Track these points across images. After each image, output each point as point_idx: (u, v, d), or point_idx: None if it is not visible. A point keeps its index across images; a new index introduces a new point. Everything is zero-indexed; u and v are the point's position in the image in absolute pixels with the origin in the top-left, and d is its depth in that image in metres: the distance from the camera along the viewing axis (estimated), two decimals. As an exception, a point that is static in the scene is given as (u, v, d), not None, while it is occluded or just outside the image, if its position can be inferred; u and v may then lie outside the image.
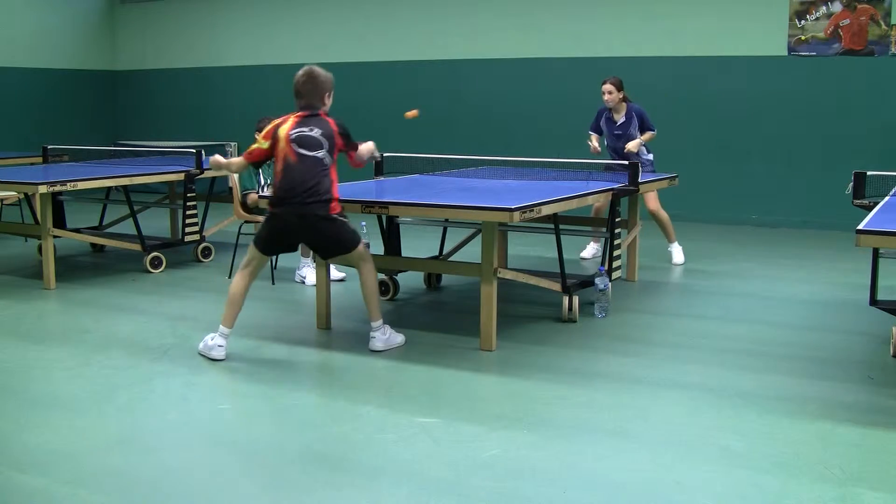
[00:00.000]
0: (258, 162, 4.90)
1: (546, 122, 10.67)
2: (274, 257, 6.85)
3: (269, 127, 4.82)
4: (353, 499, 3.15)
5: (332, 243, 4.83)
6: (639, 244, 7.04)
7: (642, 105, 7.55)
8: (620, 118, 7.40)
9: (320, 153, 4.68)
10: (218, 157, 5.14)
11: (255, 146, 4.84)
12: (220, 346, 4.75)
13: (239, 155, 5.40)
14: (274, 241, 4.85)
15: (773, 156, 9.77)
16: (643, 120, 7.40)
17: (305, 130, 4.71)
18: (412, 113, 6.00)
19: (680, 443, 3.63)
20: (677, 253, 7.64)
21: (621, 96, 7.35)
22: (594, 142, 7.50)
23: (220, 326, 4.77)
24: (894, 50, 9.14)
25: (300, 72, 4.79)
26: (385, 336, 4.95)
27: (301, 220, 4.68)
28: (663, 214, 7.48)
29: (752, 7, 9.71)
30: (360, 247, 4.85)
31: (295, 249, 5.03)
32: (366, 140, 5.07)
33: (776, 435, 3.73)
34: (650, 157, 7.55)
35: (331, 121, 4.78)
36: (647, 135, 7.39)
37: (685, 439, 3.67)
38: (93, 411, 4.04)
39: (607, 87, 7.31)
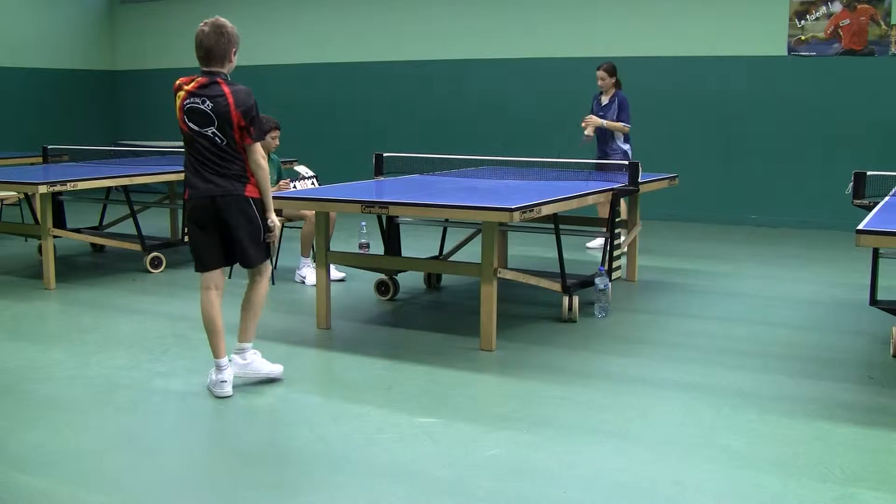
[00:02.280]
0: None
1: (546, 122, 10.67)
2: (275, 258, 6.85)
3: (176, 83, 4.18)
4: (353, 499, 3.15)
5: (244, 232, 4.16)
6: (639, 244, 7.04)
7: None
8: (605, 100, 7.86)
9: (209, 131, 4.06)
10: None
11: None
12: (223, 381, 4.20)
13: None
14: (199, 244, 4.20)
15: (773, 156, 9.77)
16: (621, 108, 7.75)
17: (197, 102, 4.07)
18: None
19: (680, 443, 3.63)
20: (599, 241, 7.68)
21: (613, 81, 7.86)
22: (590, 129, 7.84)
23: (215, 360, 4.24)
24: (894, 50, 9.14)
25: (204, 23, 4.17)
26: (245, 361, 4.31)
27: (213, 202, 4.09)
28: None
29: (752, 7, 9.71)
30: (264, 265, 4.33)
31: (231, 260, 4.33)
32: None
33: (776, 435, 3.73)
34: (626, 147, 7.79)
35: (226, 89, 4.08)
36: (618, 125, 7.72)
37: (685, 439, 3.67)
38: (93, 411, 4.04)
39: (600, 72, 7.87)
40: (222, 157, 4.10)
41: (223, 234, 4.20)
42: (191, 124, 4.09)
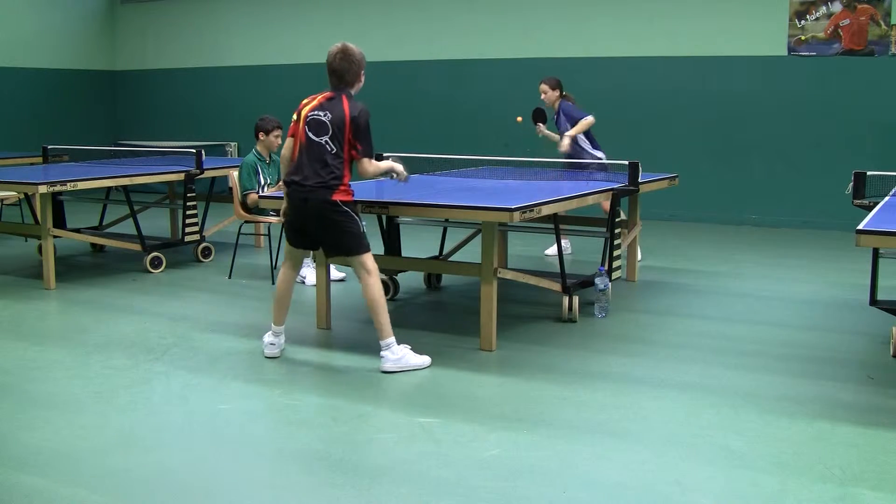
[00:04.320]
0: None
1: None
2: (275, 258, 6.86)
3: (303, 102, 4.69)
4: (353, 499, 3.15)
5: (334, 235, 4.60)
6: (639, 244, 7.03)
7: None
8: (555, 116, 7.59)
9: (324, 138, 4.51)
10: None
11: (291, 128, 4.71)
12: (271, 343, 4.82)
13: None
14: (293, 227, 4.73)
15: (773, 156, 9.77)
16: (569, 114, 7.41)
17: (320, 115, 4.55)
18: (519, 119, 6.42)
19: (680, 443, 3.63)
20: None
21: (556, 94, 7.52)
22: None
23: (272, 326, 4.84)
24: (894, 50, 9.14)
25: (334, 48, 4.59)
26: (396, 356, 4.57)
27: (304, 203, 4.55)
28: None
29: (752, 7, 9.71)
30: (365, 256, 4.60)
31: (317, 240, 4.73)
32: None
33: (776, 435, 3.73)
34: (599, 154, 7.49)
35: (346, 108, 4.53)
36: (579, 125, 7.33)
37: (685, 439, 3.67)
38: (93, 411, 4.04)
39: (542, 86, 7.56)
40: (330, 160, 4.51)
41: (313, 229, 4.66)
42: (310, 133, 4.54)
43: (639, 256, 7.51)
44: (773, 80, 9.68)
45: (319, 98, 4.61)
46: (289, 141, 4.72)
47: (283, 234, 4.91)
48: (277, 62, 12.40)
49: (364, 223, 4.74)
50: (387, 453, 3.55)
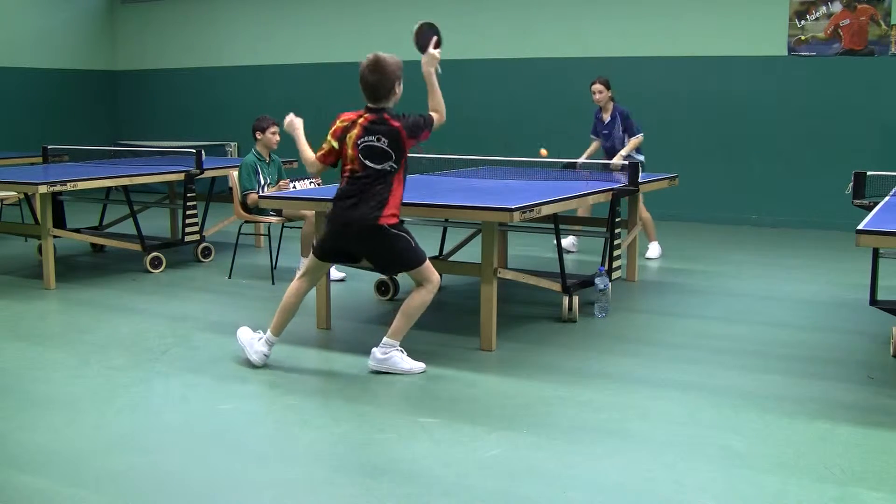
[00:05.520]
0: (335, 162, 4.53)
1: (546, 122, 10.67)
2: (274, 258, 6.86)
3: (336, 125, 4.49)
4: (353, 499, 3.15)
5: (384, 257, 4.52)
6: (639, 244, 7.03)
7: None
8: (607, 118, 7.64)
9: (388, 165, 4.36)
10: (296, 123, 4.74)
11: (326, 147, 4.50)
12: (261, 352, 4.57)
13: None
14: (329, 246, 4.56)
15: (773, 156, 9.77)
16: (626, 122, 7.56)
17: (373, 141, 4.35)
18: (544, 152, 6.58)
19: (680, 443, 3.63)
20: (653, 249, 7.82)
21: (609, 95, 7.60)
22: (590, 150, 7.77)
23: (268, 333, 4.61)
24: (894, 50, 9.14)
25: (366, 60, 4.36)
26: (386, 355, 4.50)
27: (345, 227, 4.43)
28: (646, 215, 7.59)
29: (752, 7, 9.71)
30: (423, 267, 4.49)
31: (355, 261, 4.67)
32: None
33: (776, 435, 3.73)
34: (641, 157, 7.65)
35: (396, 124, 4.37)
36: (632, 142, 7.52)
37: (685, 439, 3.67)
38: (93, 411, 4.04)
39: (596, 86, 7.61)
40: (380, 185, 4.37)
41: (358, 251, 4.56)
42: (367, 161, 4.36)
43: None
44: (773, 80, 9.68)
45: (361, 122, 4.40)
46: (314, 160, 4.56)
47: (313, 247, 4.68)
48: (277, 62, 12.40)
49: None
50: (387, 453, 3.54)
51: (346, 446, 3.63)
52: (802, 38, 9.53)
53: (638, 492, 3.19)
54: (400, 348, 4.54)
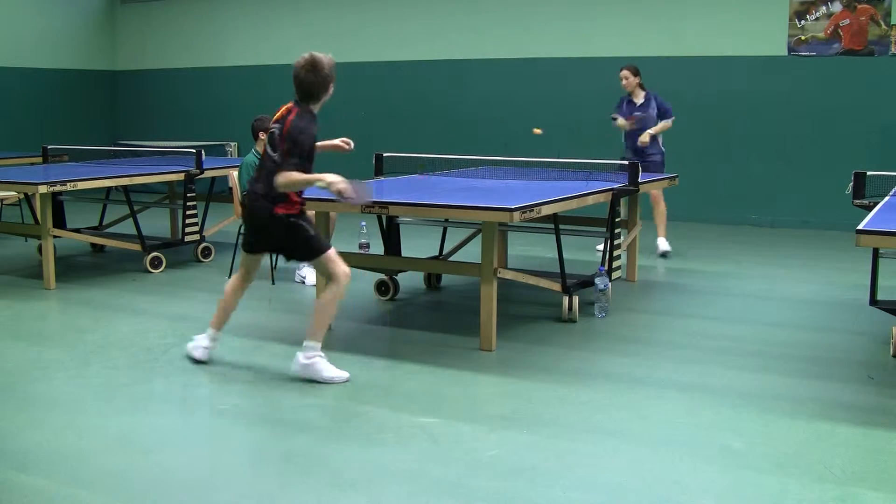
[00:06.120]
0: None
1: (546, 122, 10.64)
2: (273, 258, 6.86)
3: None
4: (354, 499, 3.15)
5: (284, 247, 4.50)
6: (639, 244, 7.04)
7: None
8: (640, 100, 7.87)
9: (276, 155, 4.31)
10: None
11: None
12: (203, 347, 4.63)
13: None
14: (247, 238, 4.65)
15: (773, 156, 9.76)
16: (662, 106, 7.82)
17: (275, 129, 4.37)
18: (537, 130, 6.59)
19: (680, 443, 3.63)
20: (663, 244, 7.94)
21: (637, 81, 7.88)
22: (621, 120, 7.90)
23: (209, 328, 4.67)
24: (894, 50, 9.14)
25: (301, 59, 4.38)
26: (308, 362, 4.36)
27: (250, 217, 4.50)
28: (662, 207, 7.78)
29: (752, 7, 9.71)
30: (325, 258, 4.39)
31: (271, 249, 4.78)
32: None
33: (776, 435, 3.73)
34: (664, 149, 7.85)
35: (289, 120, 4.31)
36: (662, 124, 7.76)
37: (685, 439, 3.67)
38: (93, 411, 4.04)
39: (624, 72, 7.89)
40: (273, 174, 4.28)
41: (265, 240, 4.57)
42: (268, 149, 4.37)
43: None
44: (773, 80, 9.68)
45: (282, 109, 4.44)
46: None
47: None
48: (277, 62, 12.38)
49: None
50: (387, 453, 3.55)
51: (345, 446, 3.63)
52: (802, 38, 9.53)
53: (638, 492, 3.19)
54: (322, 354, 4.41)
